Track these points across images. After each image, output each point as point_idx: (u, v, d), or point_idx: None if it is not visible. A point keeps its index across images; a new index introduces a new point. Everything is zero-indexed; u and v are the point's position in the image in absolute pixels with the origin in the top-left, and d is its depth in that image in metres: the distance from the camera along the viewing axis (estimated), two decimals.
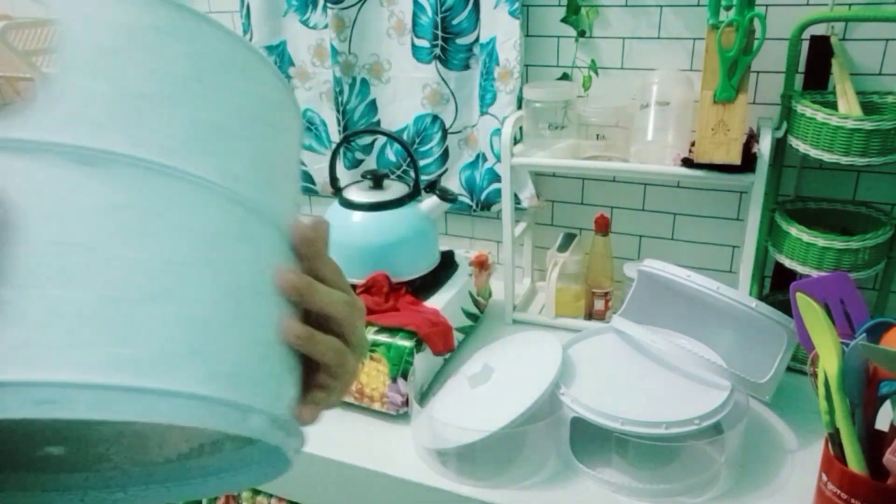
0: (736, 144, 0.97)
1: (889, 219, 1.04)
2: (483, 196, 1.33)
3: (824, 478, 0.78)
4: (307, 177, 1.49)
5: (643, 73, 1.15)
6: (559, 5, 1.17)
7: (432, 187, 1.15)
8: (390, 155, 1.40)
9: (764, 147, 0.98)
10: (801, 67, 1.06)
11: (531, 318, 1.26)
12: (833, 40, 1.02)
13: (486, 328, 1.24)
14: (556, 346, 0.98)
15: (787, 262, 1.03)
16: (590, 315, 1.24)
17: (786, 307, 0.91)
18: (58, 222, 0.30)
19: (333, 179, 1.18)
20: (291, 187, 0.43)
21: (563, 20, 1.17)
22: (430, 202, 1.14)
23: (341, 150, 1.40)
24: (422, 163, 1.35)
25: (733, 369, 0.91)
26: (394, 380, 0.99)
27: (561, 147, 1.15)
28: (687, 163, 1.02)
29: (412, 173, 1.34)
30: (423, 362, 1.02)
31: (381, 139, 1.39)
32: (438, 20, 1.22)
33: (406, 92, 1.33)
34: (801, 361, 1.03)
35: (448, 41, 1.24)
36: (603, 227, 1.19)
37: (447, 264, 1.21)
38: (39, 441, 0.41)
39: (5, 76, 1.61)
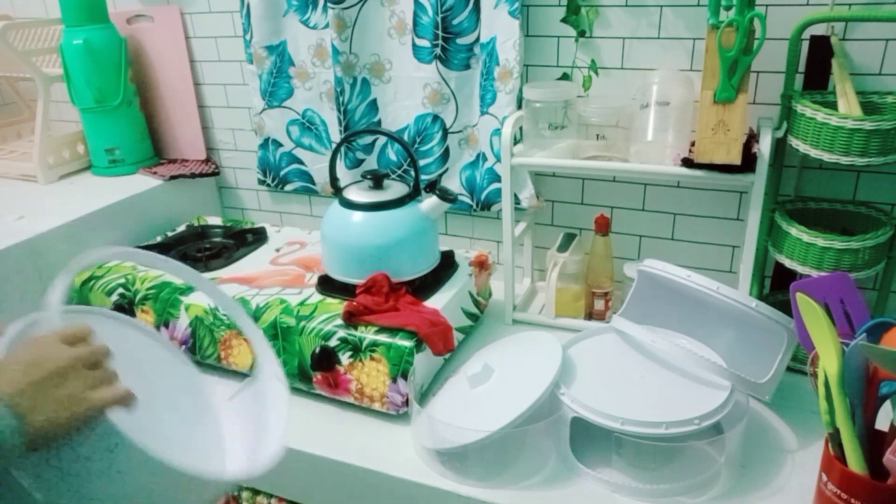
0: (736, 144, 0.97)
1: (889, 219, 1.04)
2: (483, 196, 1.33)
3: (824, 478, 0.78)
4: (307, 177, 1.49)
5: (643, 73, 1.15)
6: (559, 5, 1.17)
7: (432, 187, 1.15)
8: (391, 154, 1.40)
9: (764, 147, 0.98)
10: (801, 67, 1.06)
11: (531, 318, 1.26)
12: (833, 40, 1.02)
13: (486, 328, 1.24)
14: (556, 346, 0.98)
15: (787, 262, 1.03)
16: (590, 315, 1.24)
17: (786, 307, 0.91)
18: None
19: (333, 179, 1.18)
20: None
21: (563, 20, 1.17)
22: (430, 202, 1.14)
23: (342, 150, 1.40)
24: (422, 162, 1.36)
25: (733, 369, 0.91)
26: (394, 380, 0.99)
27: (561, 147, 1.15)
28: (687, 163, 1.02)
29: (413, 173, 1.35)
30: (423, 362, 1.02)
31: (382, 139, 1.40)
32: (439, 20, 1.22)
33: (407, 91, 1.33)
34: (801, 361, 1.03)
35: (448, 41, 1.24)
36: (603, 227, 1.19)
37: (447, 264, 1.21)
38: None
39: (5, 76, 1.62)
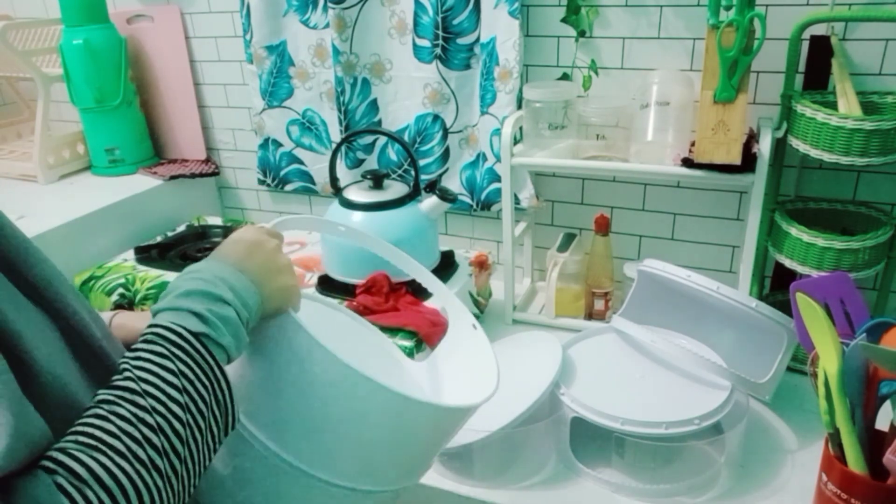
0: (736, 144, 0.97)
1: (889, 219, 1.04)
2: (483, 196, 1.33)
3: (824, 478, 0.78)
4: (307, 177, 1.49)
5: (643, 73, 1.15)
6: (559, 5, 1.17)
7: (432, 187, 1.15)
8: (392, 154, 1.40)
9: (764, 147, 0.98)
10: (801, 67, 1.06)
11: (531, 318, 1.26)
12: (833, 40, 1.02)
13: (486, 328, 1.21)
14: (556, 346, 0.98)
15: (787, 262, 1.03)
16: (590, 315, 1.24)
17: (786, 307, 0.91)
18: None
19: (333, 179, 1.18)
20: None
21: (563, 20, 1.17)
22: (430, 202, 1.14)
23: (343, 150, 1.40)
24: (423, 162, 1.36)
25: (733, 369, 0.91)
26: None
27: (561, 147, 1.15)
28: (687, 163, 1.02)
29: (413, 173, 1.35)
30: None
31: (383, 138, 1.40)
32: (439, 20, 1.22)
33: (407, 91, 1.33)
34: (801, 361, 1.03)
35: (449, 41, 1.24)
36: (603, 227, 1.19)
37: (447, 264, 1.21)
38: None
39: (5, 76, 1.61)
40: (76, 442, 0.41)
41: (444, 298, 0.83)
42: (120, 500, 0.40)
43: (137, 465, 0.42)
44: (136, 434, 0.42)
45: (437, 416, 0.64)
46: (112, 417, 0.42)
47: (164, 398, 0.45)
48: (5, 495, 0.37)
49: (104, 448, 0.41)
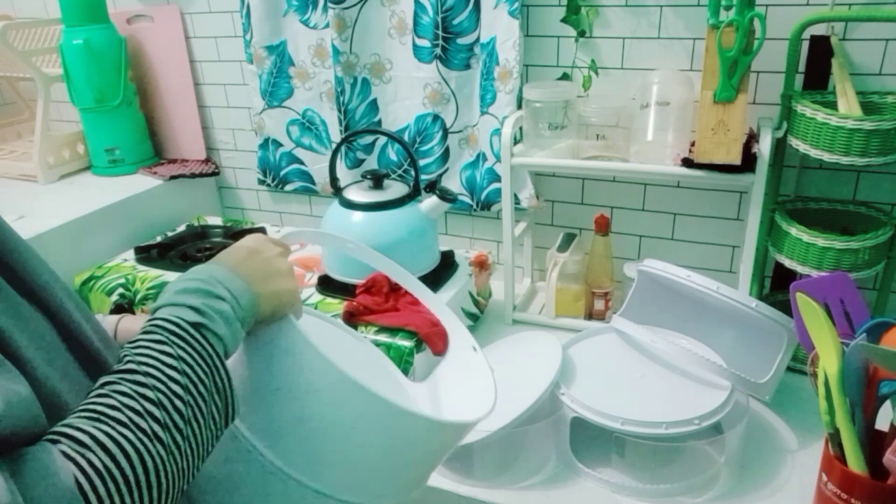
0: (736, 144, 0.97)
1: (889, 219, 1.04)
2: (483, 196, 1.33)
3: (824, 478, 0.78)
4: (307, 177, 1.49)
5: (643, 73, 1.15)
6: (559, 5, 1.17)
7: (432, 187, 1.15)
8: (392, 154, 1.40)
9: (764, 147, 0.98)
10: (801, 67, 1.06)
11: (531, 318, 1.26)
12: (833, 40, 1.02)
13: (486, 328, 1.24)
14: (556, 346, 0.98)
15: (787, 262, 1.03)
16: (590, 315, 1.24)
17: (786, 307, 0.91)
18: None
19: (333, 179, 1.18)
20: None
21: (563, 20, 1.17)
22: (430, 202, 1.14)
23: (343, 150, 1.40)
24: (423, 162, 1.36)
25: (733, 369, 0.91)
26: None
27: (561, 147, 1.15)
28: (687, 163, 1.02)
29: (413, 173, 1.35)
30: (424, 362, 1.01)
31: (383, 138, 1.40)
32: (439, 20, 1.22)
33: (407, 91, 1.33)
34: (801, 361, 1.03)
35: (449, 41, 1.24)
36: (603, 227, 1.19)
37: (447, 264, 1.21)
38: None
39: (5, 76, 1.61)
40: (78, 417, 0.42)
41: (448, 322, 0.84)
42: (123, 464, 0.41)
43: (140, 434, 0.42)
44: (138, 407, 0.43)
45: (430, 430, 0.64)
46: (113, 394, 0.43)
47: (164, 378, 0.45)
48: (12, 464, 0.38)
49: (105, 419, 0.42)
